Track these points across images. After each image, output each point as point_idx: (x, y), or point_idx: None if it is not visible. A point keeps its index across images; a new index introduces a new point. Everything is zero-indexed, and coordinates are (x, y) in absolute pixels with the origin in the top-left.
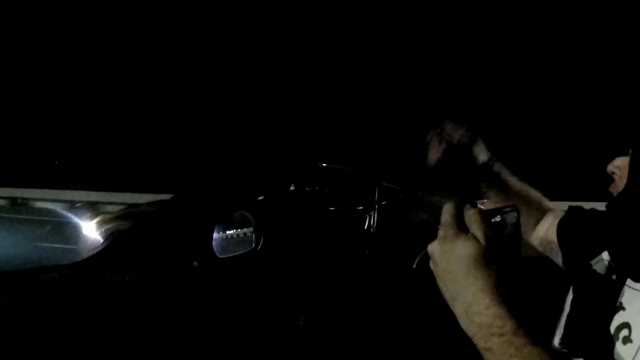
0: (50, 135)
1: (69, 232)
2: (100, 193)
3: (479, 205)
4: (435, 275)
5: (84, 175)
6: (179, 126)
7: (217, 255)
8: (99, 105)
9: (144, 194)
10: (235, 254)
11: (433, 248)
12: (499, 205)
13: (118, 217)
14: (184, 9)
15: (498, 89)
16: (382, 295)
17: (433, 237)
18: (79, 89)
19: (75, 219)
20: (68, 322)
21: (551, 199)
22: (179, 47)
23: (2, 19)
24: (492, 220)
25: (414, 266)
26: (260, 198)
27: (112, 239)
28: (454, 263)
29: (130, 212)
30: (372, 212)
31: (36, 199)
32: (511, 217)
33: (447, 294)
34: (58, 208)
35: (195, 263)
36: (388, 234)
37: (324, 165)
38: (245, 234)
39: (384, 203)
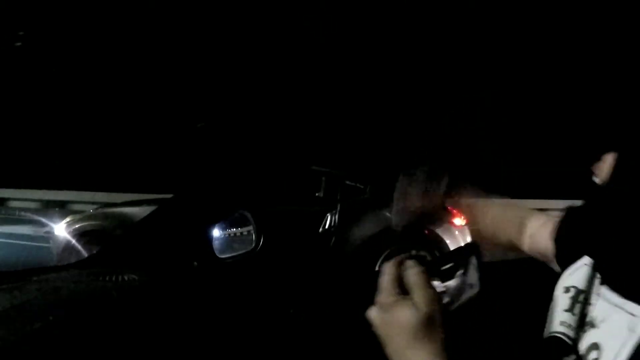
0: (49, 135)
1: (42, 232)
2: (92, 193)
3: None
4: (381, 342)
5: (80, 176)
6: (178, 127)
7: (217, 255)
8: (97, 106)
9: (144, 194)
10: (235, 253)
11: (372, 314)
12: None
13: (88, 216)
14: (182, 11)
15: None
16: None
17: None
18: (77, 89)
19: (46, 220)
20: (67, 322)
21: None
22: (178, 48)
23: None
24: (442, 268)
25: (377, 268)
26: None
27: (112, 239)
28: (396, 332)
29: (101, 212)
30: (334, 211)
31: (10, 199)
32: (464, 259)
33: None
34: (31, 208)
35: (195, 263)
36: (350, 233)
37: (314, 168)
38: (245, 234)
39: (345, 202)
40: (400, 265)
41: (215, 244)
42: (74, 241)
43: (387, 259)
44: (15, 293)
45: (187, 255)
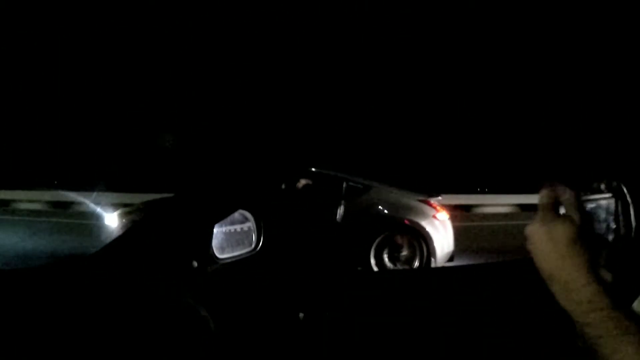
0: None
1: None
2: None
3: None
4: (533, 255)
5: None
6: (178, 127)
7: (217, 255)
8: (99, 107)
9: (144, 194)
10: (235, 254)
11: (531, 229)
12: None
13: (139, 209)
14: (180, 12)
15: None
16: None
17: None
18: (77, 91)
19: (99, 209)
20: (65, 321)
21: None
22: (178, 49)
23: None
24: (589, 206)
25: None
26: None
27: (112, 238)
28: (552, 244)
29: (146, 206)
30: (340, 207)
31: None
32: (606, 203)
33: (545, 273)
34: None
35: (195, 263)
36: (352, 224)
37: (313, 169)
38: (245, 234)
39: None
40: (555, 189)
41: (215, 244)
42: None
43: (379, 244)
44: None
45: (187, 255)
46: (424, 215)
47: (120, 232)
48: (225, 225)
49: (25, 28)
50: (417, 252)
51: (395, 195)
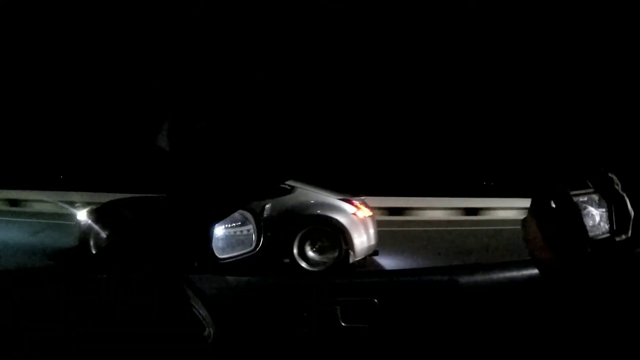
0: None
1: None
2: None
3: None
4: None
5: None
6: (177, 128)
7: (217, 255)
8: (97, 107)
9: (145, 194)
10: (235, 254)
11: (524, 219)
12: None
13: (106, 205)
14: (181, 12)
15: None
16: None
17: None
18: (78, 91)
19: (71, 209)
20: (62, 321)
21: None
22: (178, 49)
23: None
24: (580, 200)
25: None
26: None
27: (110, 238)
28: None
29: (118, 202)
30: (267, 205)
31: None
32: (597, 197)
33: (531, 251)
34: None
35: (195, 264)
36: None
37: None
38: (245, 234)
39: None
40: (546, 185)
41: (215, 244)
42: (94, 226)
43: (302, 237)
44: None
45: (187, 256)
46: (344, 212)
47: (120, 232)
48: (225, 225)
49: (26, 28)
50: (337, 245)
51: (317, 195)
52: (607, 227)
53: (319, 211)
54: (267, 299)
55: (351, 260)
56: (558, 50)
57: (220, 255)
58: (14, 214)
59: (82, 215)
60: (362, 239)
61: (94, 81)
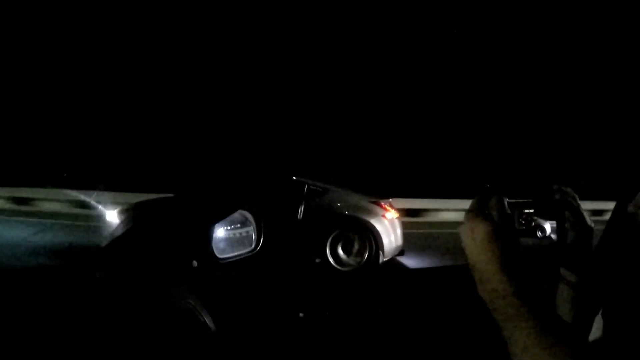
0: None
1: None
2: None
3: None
4: (464, 249)
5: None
6: (179, 128)
7: (217, 255)
8: (100, 108)
9: (145, 194)
10: (236, 254)
11: (460, 228)
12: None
13: (137, 206)
14: (178, 16)
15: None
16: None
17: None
18: (80, 91)
19: (100, 207)
20: (61, 320)
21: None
22: (178, 50)
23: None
24: (526, 210)
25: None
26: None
27: (111, 239)
28: (472, 238)
29: (149, 203)
30: (301, 206)
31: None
32: (549, 212)
33: (470, 265)
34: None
35: (195, 263)
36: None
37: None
38: (245, 234)
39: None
40: (485, 197)
41: (215, 244)
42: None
43: (334, 239)
44: None
45: (187, 255)
46: (374, 214)
47: (121, 232)
48: (225, 226)
49: (25, 28)
50: (367, 246)
51: (348, 197)
52: (552, 238)
53: (351, 213)
54: (267, 299)
55: (380, 261)
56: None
57: (220, 255)
58: (21, 213)
59: (112, 216)
60: (391, 240)
61: (95, 81)
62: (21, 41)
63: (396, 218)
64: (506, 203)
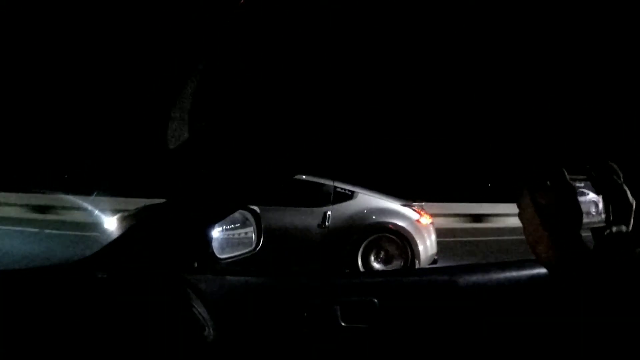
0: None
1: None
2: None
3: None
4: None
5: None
6: (178, 129)
7: (217, 256)
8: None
9: (146, 198)
10: (235, 254)
11: (520, 200)
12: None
13: (137, 213)
14: (178, 15)
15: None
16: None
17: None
18: (79, 94)
19: (98, 213)
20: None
21: None
22: (178, 50)
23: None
24: (577, 185)
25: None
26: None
27: (112, 238)
28: (532, 210)
29: (143, 211)
30: (328, 211)
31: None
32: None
33: (525, 231)
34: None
35: (195, 264)
36: (340, 228)
37: (304, 177)
38: (245, 234)
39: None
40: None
41: (215, 244)
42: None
43: (367, 247)
44: None
45: (187, 256)
46: (408, 219)
47: (120, 233)
48: (226, 226)
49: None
50: (402, 255)
51: (379, 201)
52: (602, 217)
53: (382, 218)
54: (267, 299)
55: None
56: (563, 44)
57: (220, 255)
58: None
59: (110, 223)
60: (427, 247)
61: (96, 81)
62: (21, 41)
63: (430, 223)
64: (567, 176)
